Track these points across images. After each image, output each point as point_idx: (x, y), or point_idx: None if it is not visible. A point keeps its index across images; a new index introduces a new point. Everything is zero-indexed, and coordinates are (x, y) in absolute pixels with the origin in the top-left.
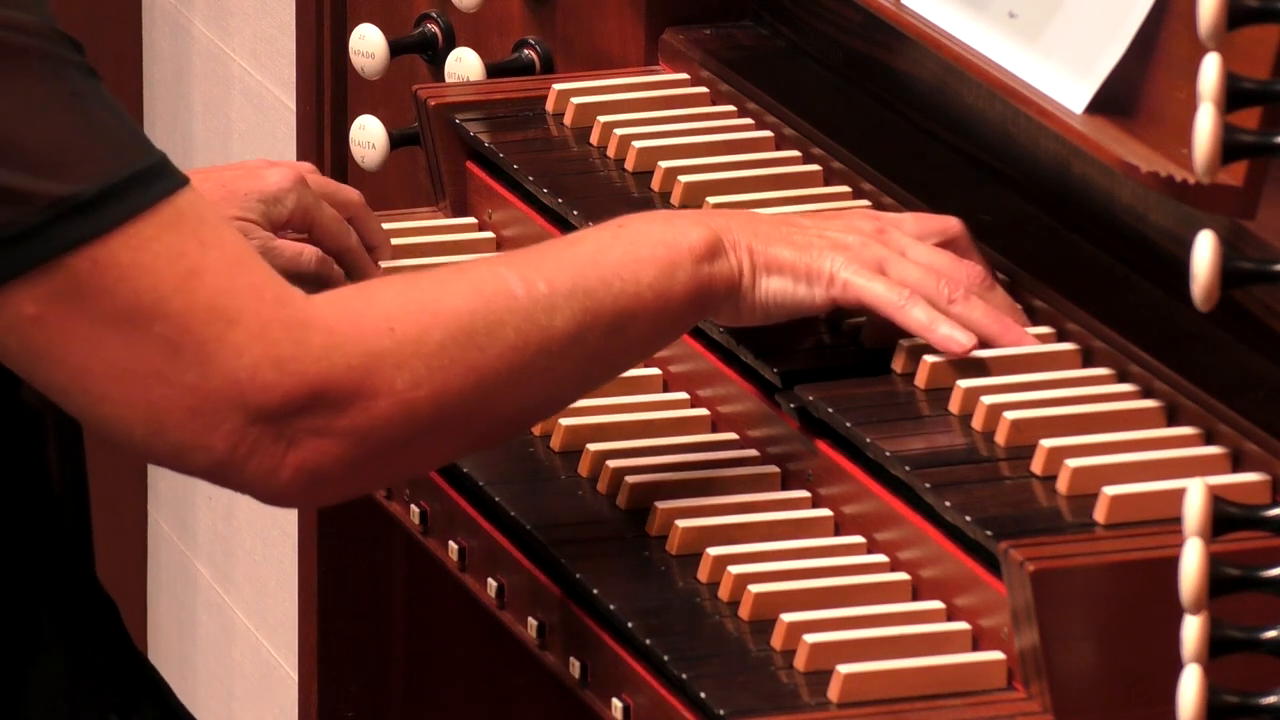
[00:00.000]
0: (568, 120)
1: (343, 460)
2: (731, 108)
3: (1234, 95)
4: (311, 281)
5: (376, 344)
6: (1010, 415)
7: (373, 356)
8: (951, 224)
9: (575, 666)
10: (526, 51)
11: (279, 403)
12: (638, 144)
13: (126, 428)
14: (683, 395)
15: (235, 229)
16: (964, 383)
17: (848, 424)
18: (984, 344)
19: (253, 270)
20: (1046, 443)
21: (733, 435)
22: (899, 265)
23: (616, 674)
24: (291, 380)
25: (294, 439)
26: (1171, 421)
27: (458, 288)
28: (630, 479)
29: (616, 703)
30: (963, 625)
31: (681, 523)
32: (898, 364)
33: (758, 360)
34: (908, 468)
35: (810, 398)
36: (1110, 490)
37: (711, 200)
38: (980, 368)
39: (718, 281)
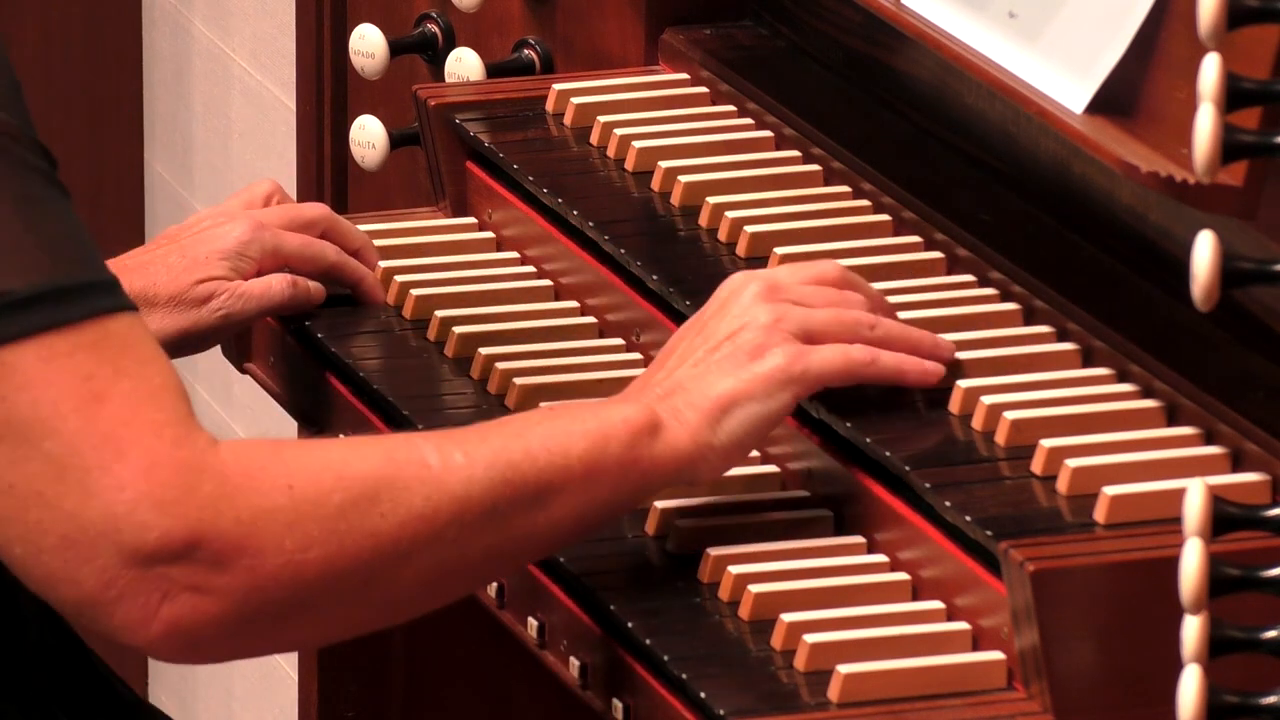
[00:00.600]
0: (568, 120)
1: (220, 622)
2: (731, 108)
3: (1234, 95)
4: (291, 309)
5: (270, 500)
6: (1010, 415)
7: (264, 512)
8: (827, 267)
9: (575, 666)
10: (526, 51)
11: (154, 546)
12: (638, 144)
13: (6, 546)
14: None
15: (168, 366)
16: (964, 383)
17: (847, 424)
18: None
19: (162, 408)
20: (1046, 443)
21: None
22: (813, 323)
23: (616, 674)
24: (170, 523)
25: (169, 591)
26: (1171, 421)
27: (369, 452)
28: None
29: (616, 703)
30: (963, 625)
31: (681, 523)
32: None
33: None
34: (908, 468)
35: (810, 399)
36: (1110, 490)
37: (711, 200)
38: (980, 368)
39: (661, 457)
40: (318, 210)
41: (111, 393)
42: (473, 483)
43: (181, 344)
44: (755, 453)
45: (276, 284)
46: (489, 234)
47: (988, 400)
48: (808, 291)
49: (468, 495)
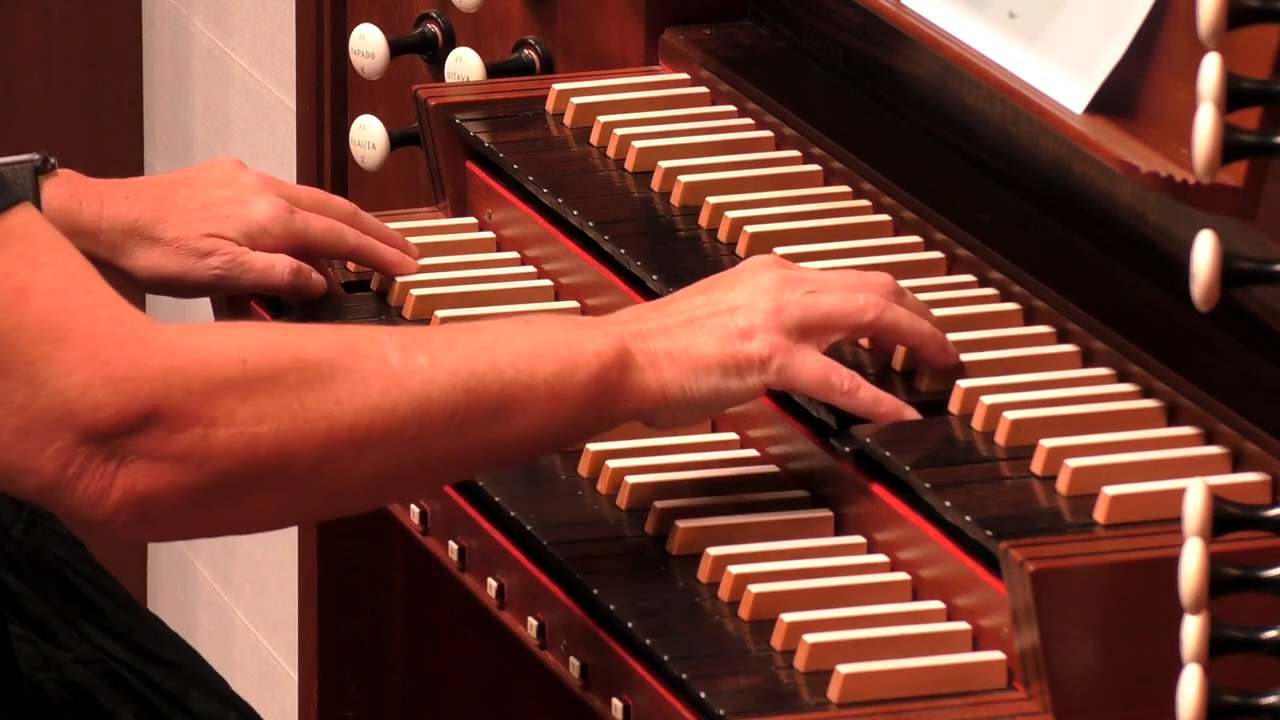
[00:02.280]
0: (568, 120)
1: (174, 488)
2: (731, 108)
3: (1234, 95)
4: (290, 295)
5: (222, 372)
6: (1010, 415)
7: (215, 383)
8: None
9: (575, 666)
10: (526, 51)
11: (109, 422)
12: (638, 144)
13: None
14: None
15: (75, 251)
16: (964, 383)
17: (847, 424)
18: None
19: (87, 290)
20: (1046, 443)
21: (733, 435)
22: (816, 309)
23: (616, 674)
24: (124, 399)
25: (124, 460)
26: (1171, 421)
27: (329, 339)
28: (630, 479)
29: (616, 703)
30: (963, 625)
31: (681, 523)
32: (896, 364)
33: None
34: (908, 468)
35: (810, 398)
36: (1110, 490)
37: (711, 200)
38: (980, 368)
39: (628, 393)
40: (347, 205)
41: (34, 284)
42: (433, 385)
43: (168, 286)
44: (755, 452)
45: (280, 265)
46: (489, 234)
47: (988, 400)
48: (822, 281)
49: (427, 397)
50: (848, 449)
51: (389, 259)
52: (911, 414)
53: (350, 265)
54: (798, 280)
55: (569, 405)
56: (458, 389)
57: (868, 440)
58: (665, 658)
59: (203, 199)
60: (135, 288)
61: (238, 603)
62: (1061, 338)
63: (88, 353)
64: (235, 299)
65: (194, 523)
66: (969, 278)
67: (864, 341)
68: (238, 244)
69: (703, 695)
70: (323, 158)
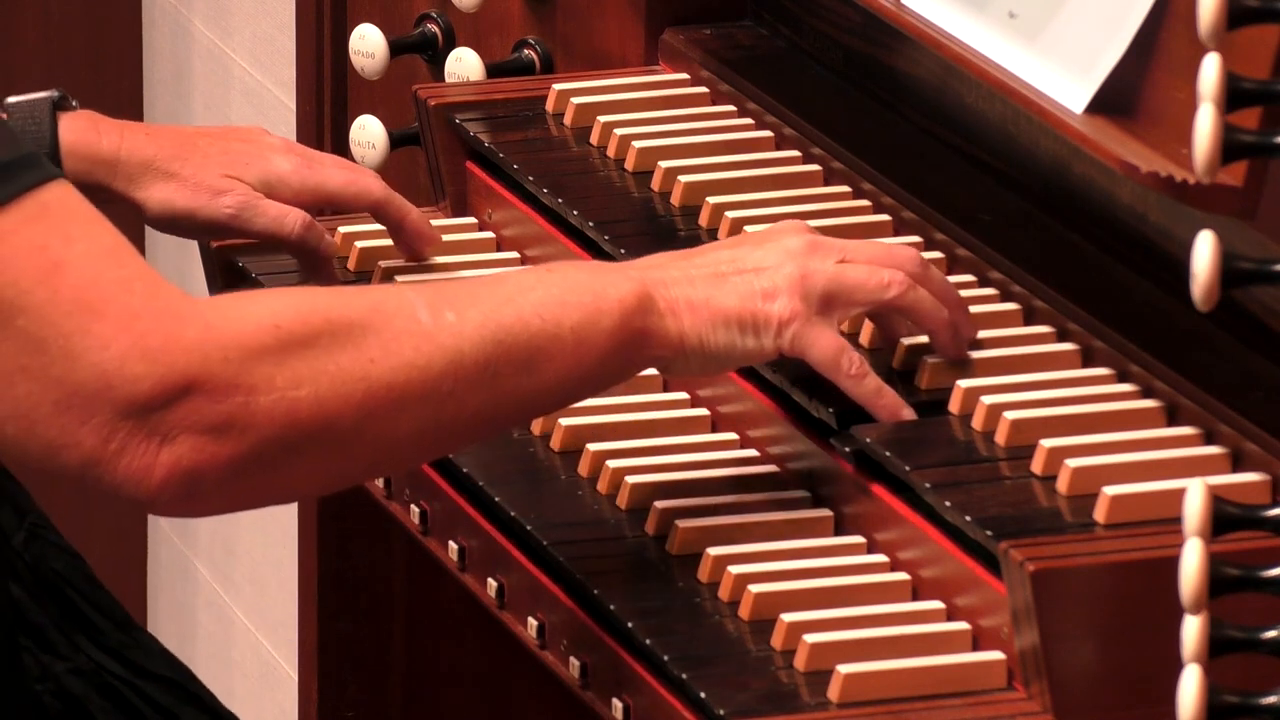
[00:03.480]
0: (568, 120)
1: (218, 460)
2: (731, 108)
3: (1234, 95)
4: (298, 249)
5: (257, 339)
6: (1010, 415)
7: (251, 351)
8: (906, 253)
9: (575, 666)
10: (526, 51)
11: (148, 394)
12: (638, 144)
13: None
14: (683, 395)
15: (110, 225)
16: (964, 383)
17: (847, 424)
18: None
19: (123, 264)
20: (1046, 443)
21: (733, 435)
22: (842, 282)
23: (616, 674)
24: (162, 371)
25: (168, 435)
26: (1171, 421)
27: (357, 300)
28: (630, 479)
29: (616, 703)
30: (963, 625)
31: (681, 523)
32: (895, 364)
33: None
34: (908, 468)
35: (810, 398)
36: (1110, 490)
37: (711, 200)
38: (980, 368)
39: (650, 339)
40: (369, 172)
41: (68, 258)
42: (464, 339)
43: (176, 221)
44: (755, 452)
45: (292, 217)
46: (489, 234)
47: (988, 400)
48: (850, 251)
49: (459, 350)
50: (848, 449)
51: (414, 219)
52: (909, 414)
53: (351, 265)
54: (826, 248)
55: (596, 352)
56: (488, 342)
57: (868, 440)
58: (665, 658)
59: (224, 144)
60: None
61: (238, 603)
62: (1061, 338)
63: (123, 325)
64: (229, 265)
65: (240, 494)
66: (969, 278)
67: (863, 339)
68: (253, 188)
69: (703, 695)
70: None
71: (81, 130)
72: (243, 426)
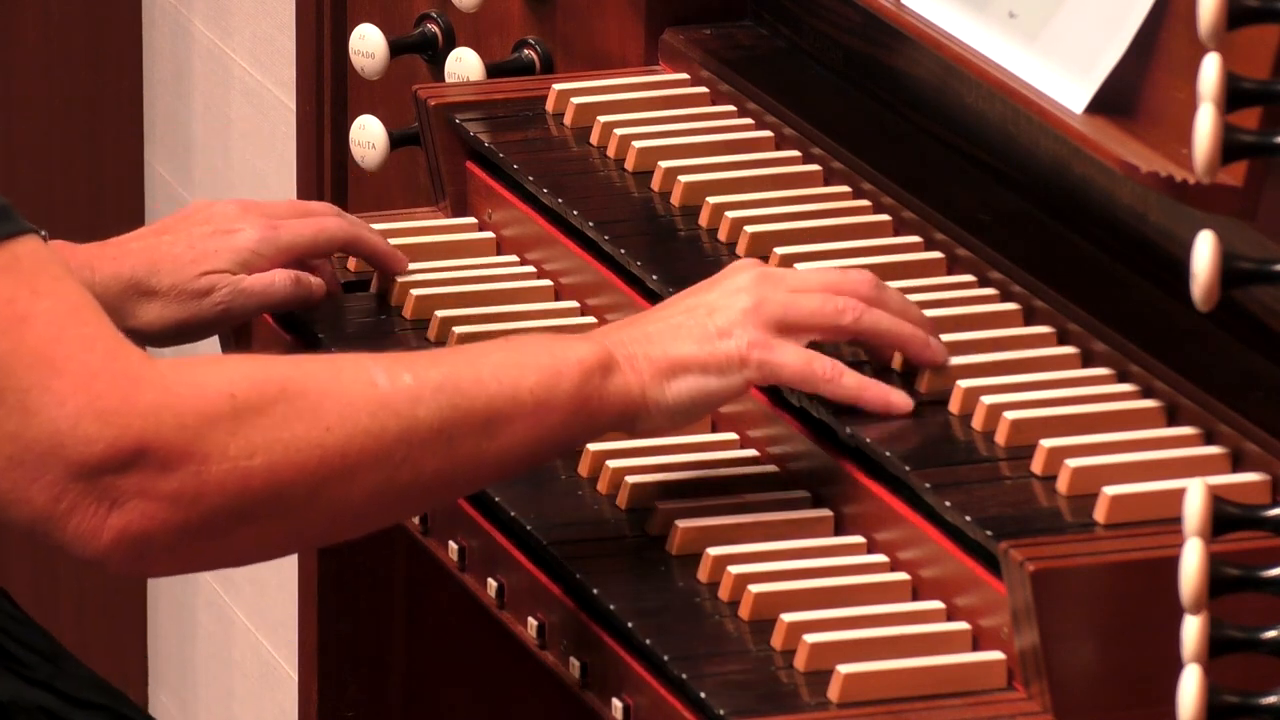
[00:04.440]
0: (568, 120)
1: (169, 527)
2: (731, 108)
3: (1234, 95)
4: (294, 305)
5: (213, 406)
6: (1010, 415)
7: (206, 419)
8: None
9: (575, 666)
10: (526, 51)
11: (100, 457)
12: (638, 144)
13: None
14: None
15: (79, 285)
16: (964, 383)
17: (847, 425)
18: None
19: (87, 323)
20: (1046, 443)
21: (733, 435)
22: (795, 307)
23: (616, 674)
24: (114, 433)
25: (117, 499)
26: (1171, 421)
27: (314, 368)
28: (630, 479)
29: (616, 703)
30: (963, 625)
31: (681, 523)
32: (896, 364)
33: None
34: (908, 468)
35: (810, 398)
36: (1110, 490)
37: (711, 200)
38: (980, 368)
39: (610, 399)
40: (325, 208)
41: (34, 312)
42: (420, 404)
43: (179, 334)
44: (755, 452)
45: (279, 280)
46: (489, 234)
47: (988, 400)
48: (802, 280)
49: (414, 416)
50: (848, 448)
51: (380, 246)
52: (900, 400)
53: (350, 264)
54: (776, 279)
55: (556, 414)
56: (444, 406)
57: (868, 440)
58: (665, 658)
59: (187, 239)
60: (145, 344)
61: (238, 603)
62: (1061, 338)
63: (81, 384)
64: (241, 331)
65: (190, 558)
66: (969, 278)
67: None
68: (233, 274)
69: (703, 695)
70: (323, 158)
71: None
72: (194, 495)
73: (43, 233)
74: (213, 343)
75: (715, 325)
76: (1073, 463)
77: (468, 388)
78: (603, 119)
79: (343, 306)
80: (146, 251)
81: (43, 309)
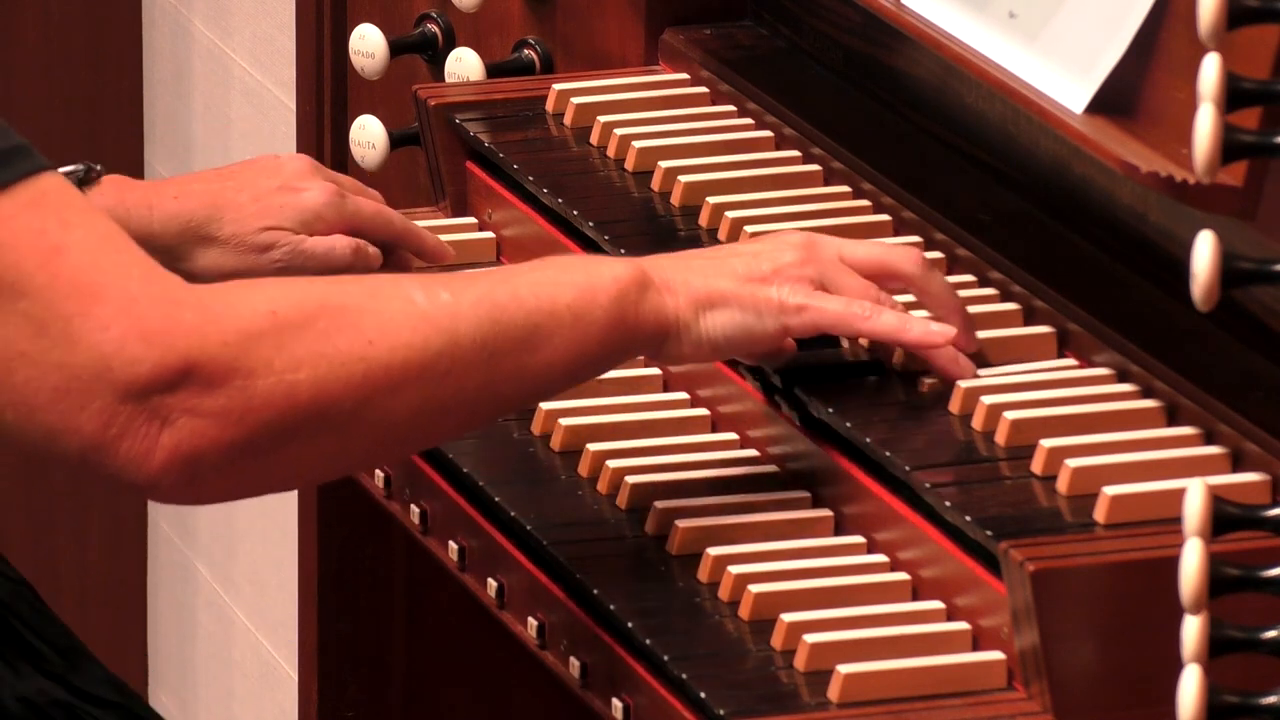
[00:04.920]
0: (568, 120)
1: (218, 444)
2: (731, 108)
3: (1234, 95)
4: (351, 272)
5: (254, 324)
6: (1010, 415)
7: (249, 335)
8: (904, 254)
9: (575, 666)
10: (526, 51)
11: (148, 378)
12: (638, 144)
13: None
14: (683, 395)
15: (106, 215)
16: (964, 383)
17: (847, 424)
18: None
19: (120, 250)
20: (1046, 443)
21: (733, 435)
22: (837, 281)
23: (616, 674)
24: (160, 354)
25: (167, 418)
26: (1171, 421)
27: (352, 287)
28: (630, 479)
29: (616, 703)
30: (963, 625)
31: (681, 523)
32: (897, 363)
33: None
34: (908, 468)
35: (810, 398)
36: (1110, 490)
37: (711, 200)
38: (980, 368)
39: (645, 317)
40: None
41: (67, 243)
42: (459, 319)
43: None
44: (755, 452)
45: (340, 246)
46: (489, 234)
47: (988, 400)
48: (851, 251)
49: (454, 331)
50: (848, 448)
51: (430, 243)
52: (941, 330)
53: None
54: (826, 244)
55: (593, 329)
56: (484, 320)
57: (868, 440)
58: (665, 658)
59: (253, 191)
60: None
61: (238, 603)
62: (1062, 338)
63: (122, 308)
64: None
65: (240, 478)
66: (969, 278)
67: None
68: (295, 233)
69: (703, 695)
70: (323, 158)
71: (111, 206)
72: (242, 410)
73: (96, 168)
74: None
75: (760, 269)
76: (1073, 463)
77: (505, 303)
78: (603, 119)
79: None
80: (209, 195)
81: (75, 239)
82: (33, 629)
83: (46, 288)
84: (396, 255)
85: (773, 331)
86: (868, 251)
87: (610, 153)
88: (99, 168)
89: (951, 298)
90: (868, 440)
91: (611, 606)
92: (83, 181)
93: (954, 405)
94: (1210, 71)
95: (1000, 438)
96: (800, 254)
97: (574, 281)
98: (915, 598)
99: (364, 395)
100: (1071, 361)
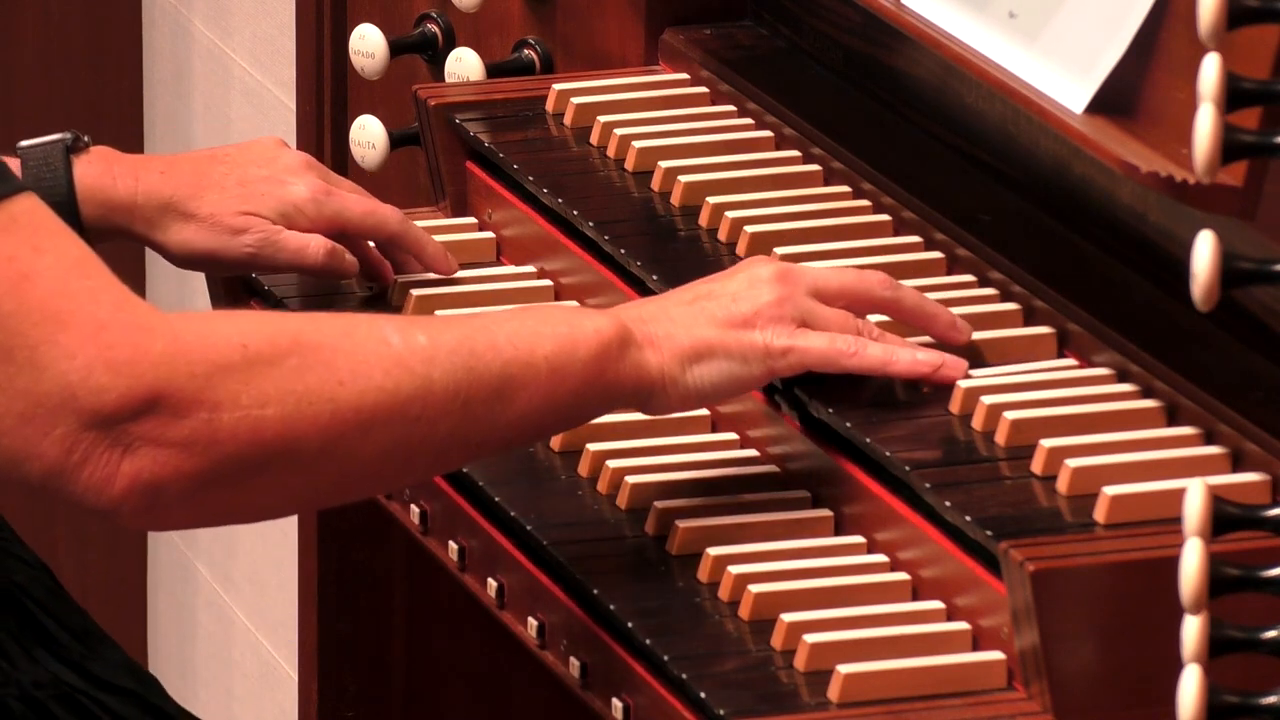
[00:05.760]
0: (568, 120)
1: (181, 474)
2: (731, 108)
3: (1234, 95)
4: (324, 275)
5: (225, 356)
6: (1010, 415)
7: (218, 367)
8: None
9: (575, 666)
10: (526, 51)
11: (113, 406)
12: (638, 144)
13: None
14: None
15: (78, 239)
16: (964, 383)
17: (847, 424)
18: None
19: (90, 275)
20: (1046, 443)
21: (733, 435)
22: (815, 317)
23: (616, 674)
24: (126, 383)
25: (130, 446)
26: (1171, 421)
27: (326, 324)
28: (630, 479)
29: (616, 703)
30: (963, 625)
31: (681, 523)
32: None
33: None
34: (908, 468)
35: (810, 398)
36: (1110, 490)
37: (711, 200)
38: (980, 368)
39: (626, 374)
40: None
41: (37, 269)
42: (434, 364)
43: (201, 262)
44: (755, 452)
45: (314, 246)
46: (489, 234)
47: (988, 400)
48: (823, 281)
49: (428, 376)
50: (848, 448)
51: (431, 251)
52: (928, 357)
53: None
54: (797, 276)
55: (570, 383)
56: (459, 368)
57: (868, 441)
58: (665, 658)
59: (240, 176)
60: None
61: (238, 603)
62: (1062, 338)
63: (90, 336)
64: (232, 290)
65: (201, 510)
66: (969, 278)
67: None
68: (272, 223)
69: (703, 695)
70: (323, 158)
71: (97, 175)
72: (206, 442)
73: (85, 138)
74: (205, 298)
75: (740, 312)
76: (1073, 463)
77: (483, 351)
78: (603, 119)
79: (339, 302)
80: (195, 174)
81: (45, 265)
82: (50, 614)
83: (13, 315)
84: (396, 257)
85: (759, 375)
86: (840, 280)
87: (610, 153)
88: (86, 138)
89: (925, 305)
90: (868, 440)
91: (611, 606)
92: (70, 149)
93: (954, 405)
94: (1210, 71)
95: (1000, 438)
96: (777, 290)
97: (554, 334)
98: (915, 598)
99: (332, 435)
100: (1071, 361)
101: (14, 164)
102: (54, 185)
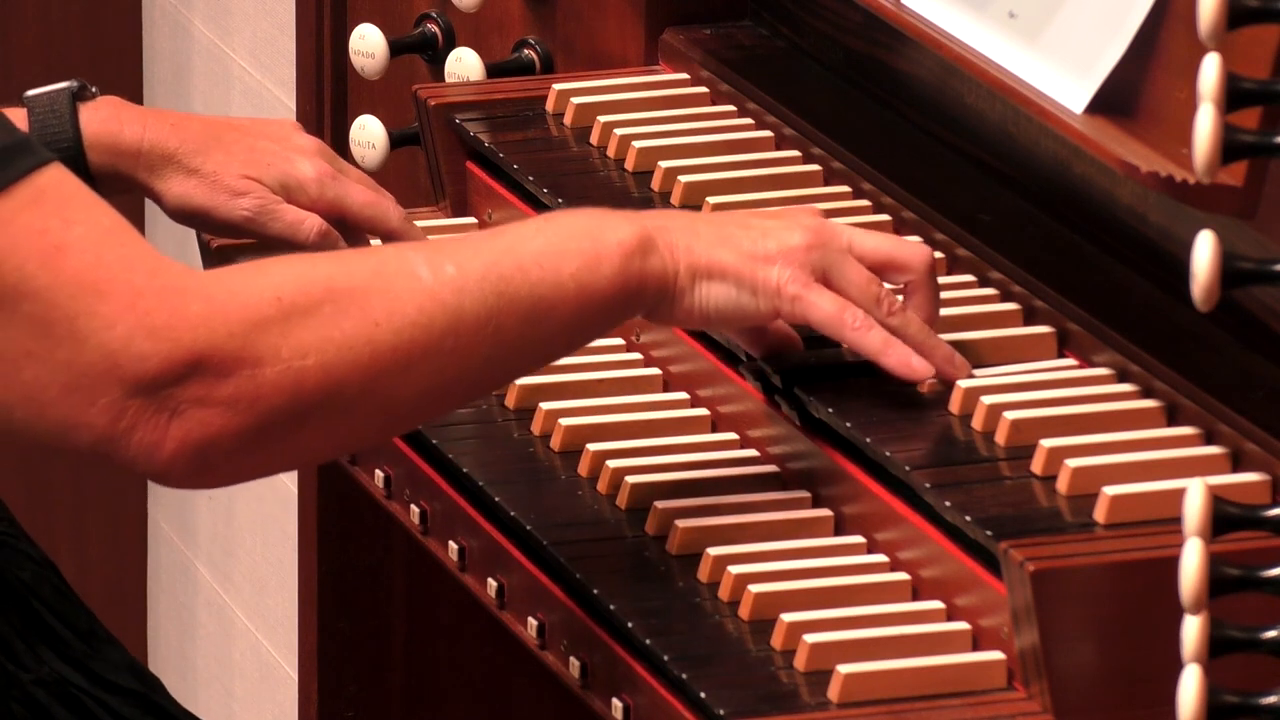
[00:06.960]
0: (568, 120)
1: (229, 432)
2: (731, 108)
3: (1234, 95)
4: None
5: (260, 312)
6: (1010, 415)
7: (255, 324)
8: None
9: (575, 666)
10: (526, 51)
11: (156, 372)
12: (638, 144)
13: (5, 411)
14: (683, 395)
15: (109, 206)
16: (964, 383)
17: (847, 424)
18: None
19: (123, 243)
20: (1046, 443)
21: (733, 435)
22: (841, 271)
23: (616, 674)
24: (168, 348)
25: (177, 410)
26: (1171, 421)
27: (356, 265)
28: (630, 479)
29: (616, 703)
30: (963, 625)
31: (681, 523)
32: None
33: (759, 360)
34: (908, 468)
35: (810, 398)
36: (1110, 490)
37: (711, 200)
38: (980, 368)
39: (649, 279)
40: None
41: (69, 240)
42: (465, 294)
43: (193, 218)
44: (755, 452)
45: (309, 223)
46: None
47: (988, 400)
48: (860, 242)
49: (460, 307)
50: (848, 448)
51: None
52: (920, 365)
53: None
54: (837, 233)
55: (598, 298)
56: (489, 294)
57: (868, 440)
58: (665, 658)
59: (250, 144)
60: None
61: (238, 603)
62: (1062, 338)
63: (127, 304)
64: (226, 258)
65: (251, 464)
66: (969, 278)
67: None
68: (273, 192)
69: (703, 695)
70: None
71: (104, 120)
72: (250, 399)
73: (92, 89)
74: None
75: (765, 248)
76: (1073, 463)
77: (511, 275)
78: (603, 119)
79: None
80: (205, 133)
81: (77, 236)
82: (55, 612)
83: (50, 288)
84: None
85: (764, 311)
86: (877, 243)
87: (610, 153)
88: (94, 88)
89: (928, 339)
90: (868, 440)
91: (611, 606)
92: (77, 97)
93: (954, 405)
94: (1210, 71)
95: (1000, 438)
96: (808, 238)
97: (580, 249)
98: (915, 598)
99: (371, 377)
100: (1071, 361)
101: (20, 114)
102: (60, 132)
